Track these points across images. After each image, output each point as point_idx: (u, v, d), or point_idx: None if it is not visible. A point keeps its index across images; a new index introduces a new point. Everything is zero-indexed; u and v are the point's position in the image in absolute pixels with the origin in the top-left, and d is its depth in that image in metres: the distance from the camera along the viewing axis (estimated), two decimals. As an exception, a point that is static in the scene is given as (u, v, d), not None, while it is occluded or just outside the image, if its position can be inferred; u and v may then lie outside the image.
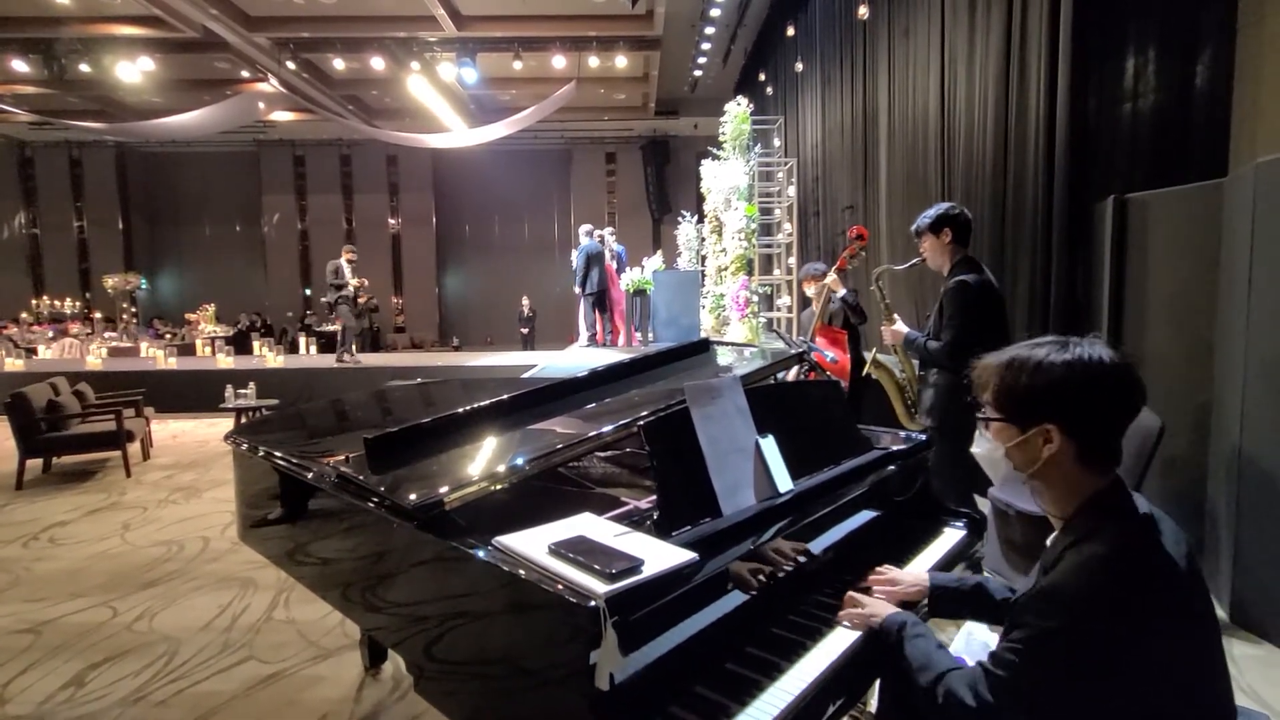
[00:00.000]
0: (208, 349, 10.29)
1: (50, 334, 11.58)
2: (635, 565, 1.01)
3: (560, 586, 0.98)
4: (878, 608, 1.27)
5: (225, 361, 8.74)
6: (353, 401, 2.56)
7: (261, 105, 12.36)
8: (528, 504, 1.52)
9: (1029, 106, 3.96)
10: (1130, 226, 3.31)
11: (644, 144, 16.65)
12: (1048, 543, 1.09)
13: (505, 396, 1.85)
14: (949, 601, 1.35)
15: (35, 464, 5.36)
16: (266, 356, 9.10)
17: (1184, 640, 0.93)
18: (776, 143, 9.05)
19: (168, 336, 13.00)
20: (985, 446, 1.14)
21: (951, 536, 1.88)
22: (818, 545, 1.48)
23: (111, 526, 4.17)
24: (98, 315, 13.37)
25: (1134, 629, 0.89)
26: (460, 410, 1.71)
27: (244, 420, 6.00)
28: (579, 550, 1.06)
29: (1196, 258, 2.99)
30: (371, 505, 1.35)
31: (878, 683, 1.39)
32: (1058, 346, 1.02)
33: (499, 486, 1.34)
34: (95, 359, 8.87)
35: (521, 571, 1.04)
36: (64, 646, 2.68)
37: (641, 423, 1.36)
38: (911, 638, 1.14)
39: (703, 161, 8.31)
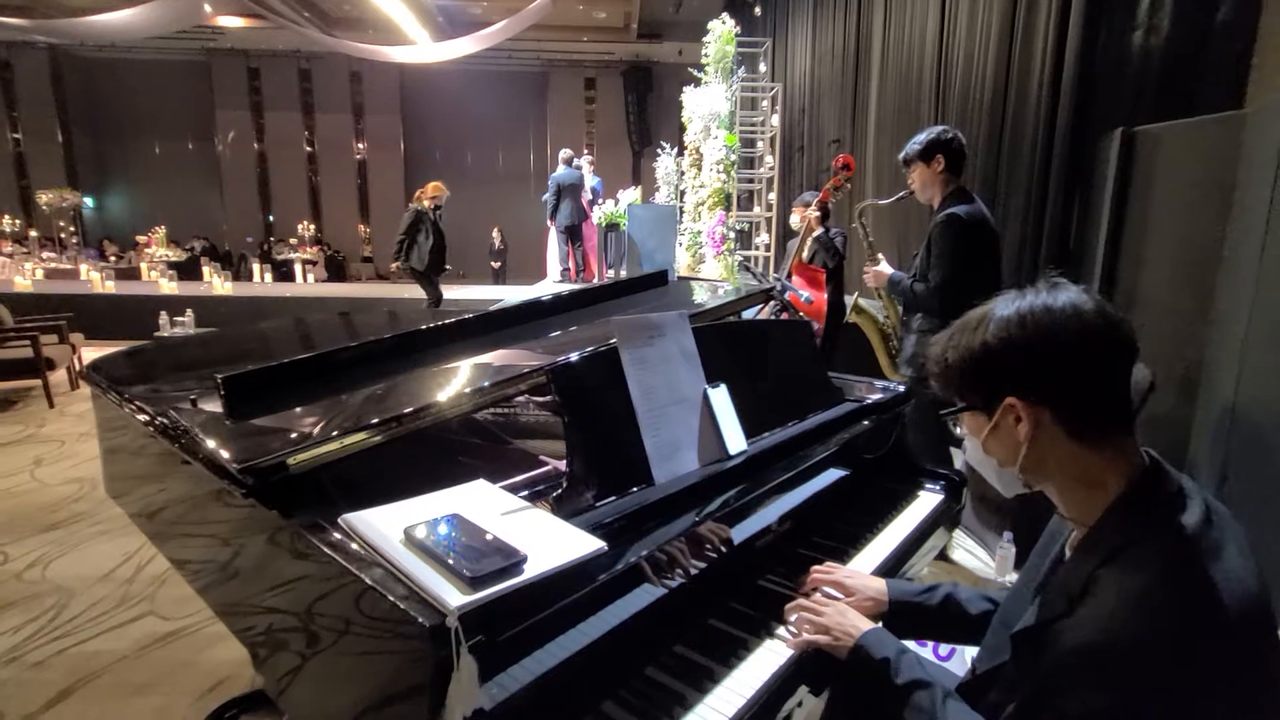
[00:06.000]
0: (154, 273, 9.68)
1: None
2: (513, 563, 0.74)
3: (398, 593, 0.71)
4: (846, 621, 0.97)
5: (168, 287, 8.19)
6: (255, 332, 2.23)
7: (207, 8, 11.27)
8: (423, 464, 1.24)
9: (1037, 31, 3.60)
10: (1137, 162, 3.02)
11: (625, 70, 15.72)
12: (1066, 550, 0.83)
13: (417, 329, 1.54)
14: (912, 620, 1.06)
15: (-54, 392, 4.96)
16: (214, 284, 8.56)
17: (1259, 681, 0.68)
18: (762, 68, 8.47)
19: (113, 259, 12.23)
20: (972, 446, 0.85)
21: (928, 501, 1.66)
22: (771, 516, 1.24)
23: (22, 461, 3.83)
24: (33, 234, 12.48)
25: (1205, 680, 0.65)
26: (351, 344, 1.41)
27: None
28: (442, 538, 0.78)
29: (1207, 198, 2.72)
30: (199, 463, 1.06)
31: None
32: (1006, 300, 0.79)
33: (377, 440, 1.04)
34: (25, 280, 8.25)
35: (353, 566, 0.76)
36: (-60, 597, 2.40)
37: (550, 366, 1.07)
38: (907, 687, 0.85)
39: (684, 88, 7.76)
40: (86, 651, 2.10)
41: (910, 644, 0.98)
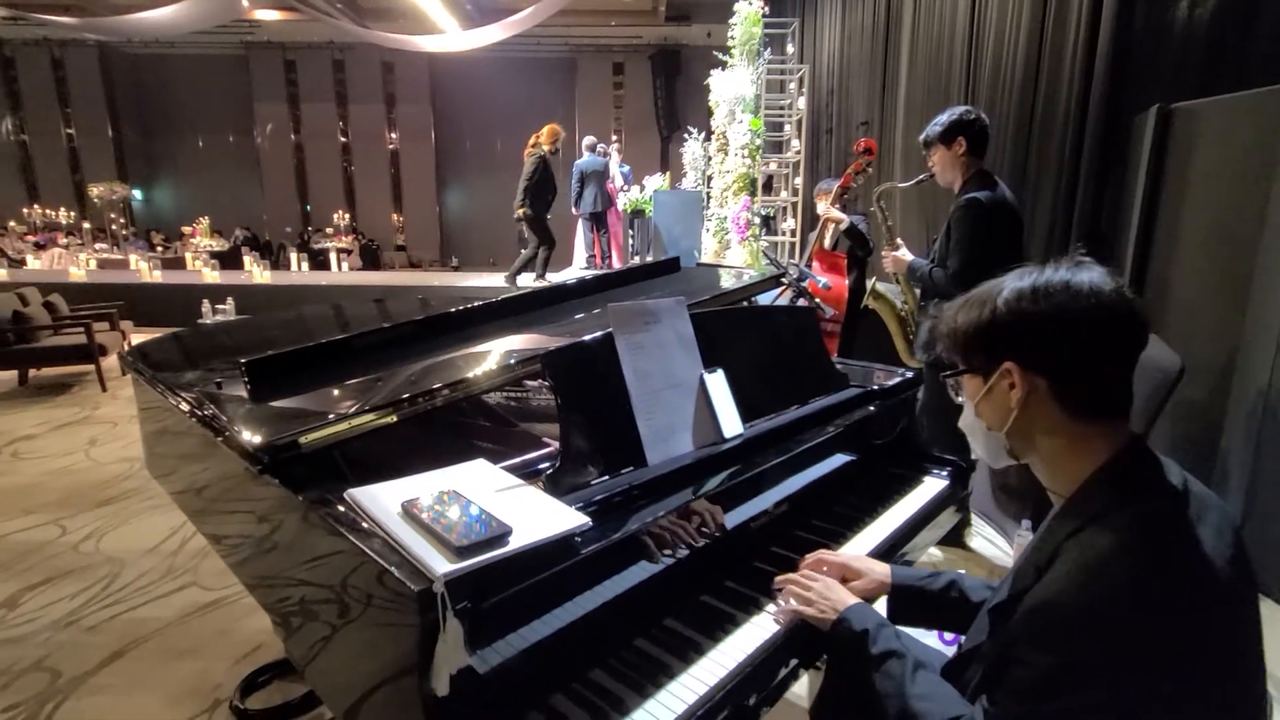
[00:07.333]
0: (198, 263, 10.04)
1: (40, 243, 11.31)
2: (499, 535, 0.79)
3: (393, 561, 0.76)
4: (831, 595, 1.01)
5: (211, 276, 8.50)
6: (286, 319, 2.33)
7: (245, 2, 11.57)
8: (434, 444, 1.31)
9: (1071, 4, 3.48)
10: (1173, 141, 2.91)
11: (653, 54, 15.59)
12: (1044, 526, 0.85)
13: (432, 315, 1.61)
14: (914, 605, 1.08)
15: (9, 376, 5.26)
16: (253, 272, 8.85)
17: (1219, 662, 0.69)
18: (790, 49, 8.32)
19: (160, 249, 12.72)
20: (966, 411, 0.88)
21: (931, 486, 1.67)
22: (767, 499, 1.27)
23: (78, 441, 4.06)
24: (86, 225, 13.04)
25: (1156, 652, 0.66)
26: (368, 329, 1.48)
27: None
28: (436, 512, 0.84)
29: (1247, 178, 2.62)
30: (221, 442, 1.13)
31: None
32: (1025, 272, 0.81)
33: (387, 421, 1.11)
34: (79, 271, 8.64)
35: (353, 537, 0.82)
36: (4, 566, 2.59)
37: (545, 351, 1.11)
38: (881, 656, 0.89)
39: (711, 72, 7.68)
40: (135, 618, 2.25)
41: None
